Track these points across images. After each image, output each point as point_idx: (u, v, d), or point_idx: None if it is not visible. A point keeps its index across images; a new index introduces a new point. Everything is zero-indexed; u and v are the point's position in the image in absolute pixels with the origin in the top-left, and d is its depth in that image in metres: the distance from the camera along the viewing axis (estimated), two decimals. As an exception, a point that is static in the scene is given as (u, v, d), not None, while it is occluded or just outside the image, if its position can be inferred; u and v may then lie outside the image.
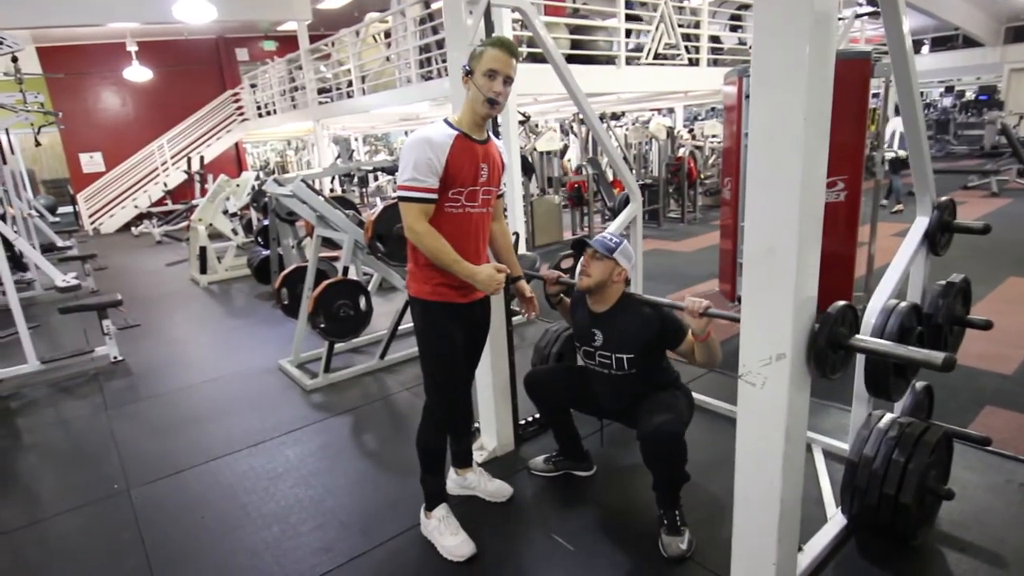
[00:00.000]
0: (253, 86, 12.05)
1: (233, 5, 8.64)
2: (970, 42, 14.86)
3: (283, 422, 3.17)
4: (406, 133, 16.60)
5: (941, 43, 14.32)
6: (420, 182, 1.80)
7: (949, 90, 15.05)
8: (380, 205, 3.43)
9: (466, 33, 2.18)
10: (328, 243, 4.12)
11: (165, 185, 11.85)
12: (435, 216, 1.86)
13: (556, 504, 2.33)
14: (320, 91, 9.72)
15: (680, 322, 2.02)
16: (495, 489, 2.32)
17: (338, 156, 6.65)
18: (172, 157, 12.24)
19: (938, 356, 1.39)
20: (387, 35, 8.64)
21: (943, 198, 2.13)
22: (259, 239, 6.04)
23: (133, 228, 11.30)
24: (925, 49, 14.34)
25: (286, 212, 5.17)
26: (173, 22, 7.67)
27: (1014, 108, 14.01)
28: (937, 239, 2.10)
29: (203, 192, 10.30)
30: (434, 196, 1.83)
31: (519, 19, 5.63)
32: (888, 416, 1.97)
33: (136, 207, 11.74)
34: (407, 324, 4.27)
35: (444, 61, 6.82)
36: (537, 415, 2.85)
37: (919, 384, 2.29)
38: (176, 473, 2.74)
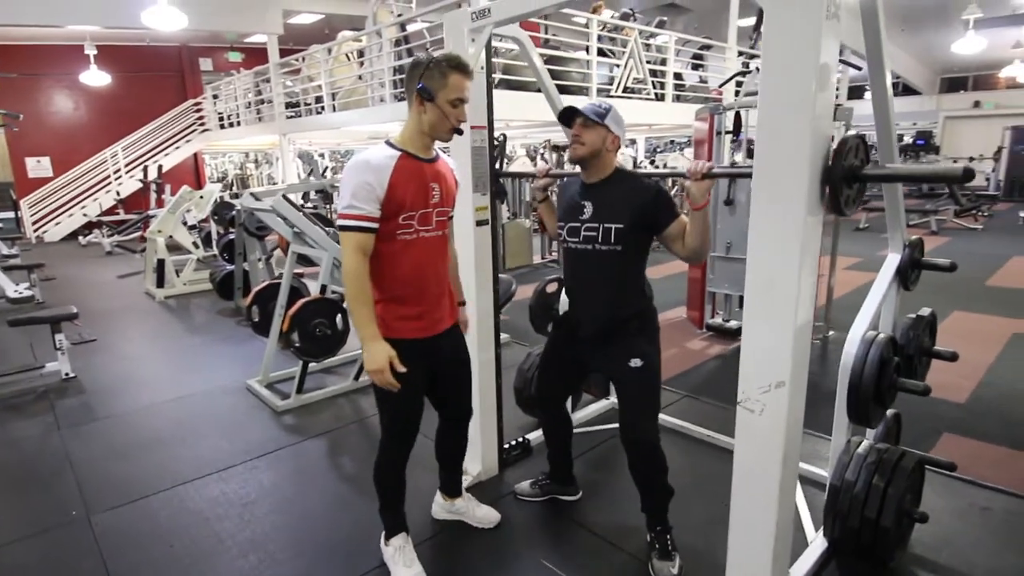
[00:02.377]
0: (216, 96, 11.81)
1: (205, 14, 8.50)
2: (909, 90, 15.91)
3: (254, 445, 3.06)
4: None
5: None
6: (357, 209, 1.67)
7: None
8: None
9: (469, 60, 2.21)
10: (303, 260, 4.05)
11: (118, 194, 11.41)
12: (390, 245, 1.75)
13: (545, 529, 2.32)
14: (288, 105, 9.61)
15: (673, 202, 1.95)
16: (483, 515, 2.29)
17: (310, 172, 6.55)
18: (127, 165, 11.80)
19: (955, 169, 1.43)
20: (360, 54, 8.66)
21: (913, 237, 2.27)
22: (224, 253, 5.86)
23: (80, 237, 10.79)
24: (869, 96, 15.25)
25: (255, 226, 5.07)
26: (139, 27, 7.47)
27: (948, 152, 15.03)
28: (908, 274, 2.23)
29: (159, 202, 9.97)
30: (373, 225, 1.70)
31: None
32: (866, 443, 2.06)
33: (85, 215, 11.22)
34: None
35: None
36: (520, 439, 2.85)
37: (889, 412, 2.40)
38: (141, 499, 2.60)
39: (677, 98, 8.83)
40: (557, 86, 6.46)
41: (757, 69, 10.61)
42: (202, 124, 12.62)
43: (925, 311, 2.30)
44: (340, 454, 3.03)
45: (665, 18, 9.27)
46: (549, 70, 6.87)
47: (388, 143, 1.78)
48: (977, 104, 16.47)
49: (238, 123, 11.22)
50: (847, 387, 1.95)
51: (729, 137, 4.47)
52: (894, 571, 2.00)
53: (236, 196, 5.36)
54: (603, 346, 2.05)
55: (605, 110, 1.94)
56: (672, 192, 9.26)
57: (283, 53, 10.13)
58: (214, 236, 7.23)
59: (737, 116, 4.35)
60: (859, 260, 7.27)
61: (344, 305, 3.63)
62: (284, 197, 3.34)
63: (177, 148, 12.39)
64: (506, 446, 2.78)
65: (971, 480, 2.51)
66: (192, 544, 2.28)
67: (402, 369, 1.72)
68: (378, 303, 1.77)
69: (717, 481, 2.47)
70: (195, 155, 13.07)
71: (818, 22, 1.31)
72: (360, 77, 8.12)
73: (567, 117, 2.00)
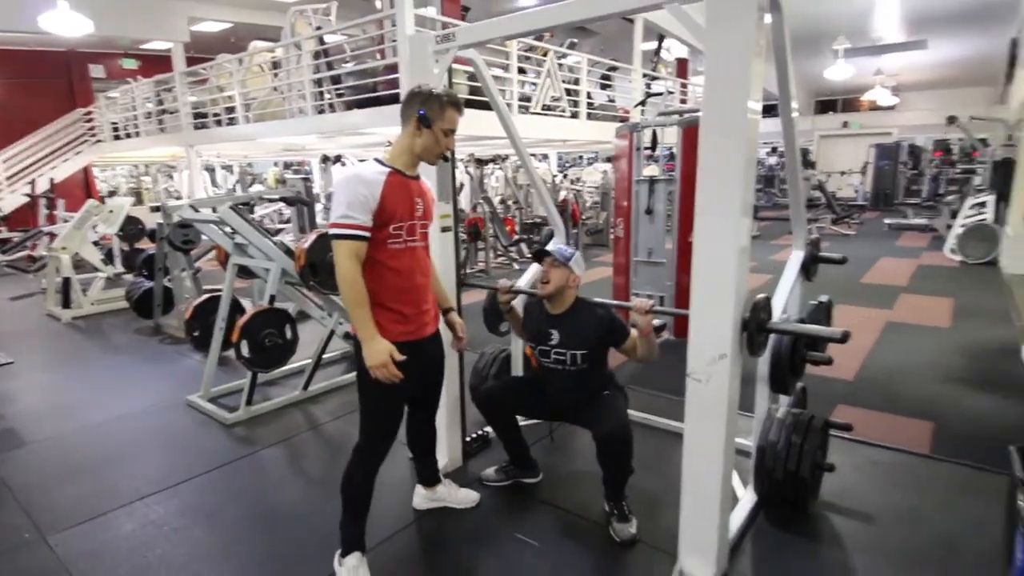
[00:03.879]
0: (110, 105, 11.07)
1: (107, 20, 8.03)
2: (789, 111, 17.53)
3: (209, 457, 3.04)
4: (275, 164, 16.08)
5: (766, 111, 16.85)
6: (352, 219, 1.81)
7: (773, 151, 17.72)
8: (313, 234, 3.46)
9: (433, 82, 2.40)
10: (244, 272, 4.02)
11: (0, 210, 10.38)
12: (381, 253, 1.90)
13: (514, 509, 2.52)
14: (196, 115, 9.24)
15: (625, 324, 2.35)
16: (464, 496, 2.48)
17: (236, 183, 6.39)
18: (8, 178, 10.78)
19: (837, 331, 1.85)
20: (275, 65, 8.52)
21: (812, 236, 2.71)
22: (143, 270, 5.60)
23: (-47, 258, 9.71)
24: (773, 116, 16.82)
25: (181, 239, 4.93)
26: (33, 31, 6.96)
27: (823, 167, 16.79)
28: (810, 268, 2.66)
29: (50, 218, 9.21)
30: (366, 234, 1.84)
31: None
32: (784, 408, 2.45)
33: (-41, 234, 10.12)
34: (331, 352, 4.27)
35: (339, 96, 6.92)
36: (480, 432, 3.05)
37: (798, 385, 2.82)
38: (99, 516, 2.54)
39: (588, 116, 9.40)
40: (479, 103, 6.78)
41: (669, 91, 11.39)
42: (94, 135, 11.75)
43: (824, 298, 2.74)
44: (299, 461, 3.08)
45: (576, 40, 9.84)
46: (471, 87, 7.15)
47: (378, 160, 1.96)
48: (845, 124, 18.56)
49: (136, 134, 10.59)
50: (769, 361, 2.32)
51: (646, 152, 4.92)
52: (811, 516, 2.38)
53: (156, 209, 5.15)
54: (576, 408, 2.43)
55: (570, 255, 2.34)
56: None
57: (189, 62, 9.72)
58: (116, 253, 6.84)
59: (654, 134, 4.80)
60: (754, 264, 8.06)
61: (292, 315, 3.67)
62: (232, 208, 3.34)
63: (66, 160, 11.45)
64: (468, 439, 2.96)
65: (862, 440, 2.99)
66: (166, 555, 2.28)
67: (400, 357, 1.88)
68: (375, 307, 1.91)
69: (654, 456, 2.81)
70: (85, 168, 12.12)
71: (748, 58, 1.64)
72: (276, 88, 8.00)
73: (539, 257, 2.38)
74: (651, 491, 2.56)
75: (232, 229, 3.48)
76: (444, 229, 2.58)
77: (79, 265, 6.31)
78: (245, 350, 3.40)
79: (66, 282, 5.95)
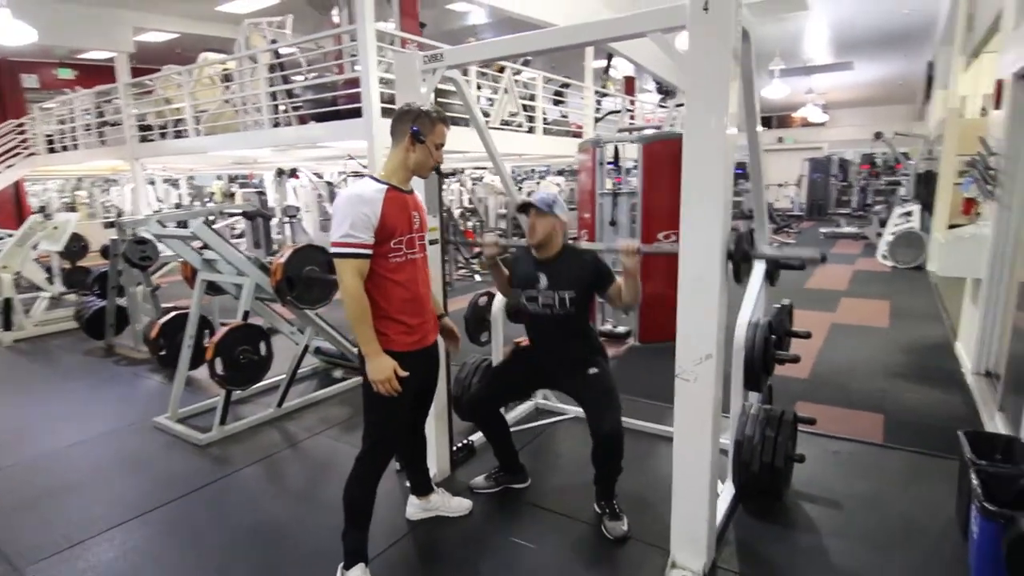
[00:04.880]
0: (44, 118, 10.53)
1: (51, 29, 7.68)
2: (729, 126, 18.37)
3: (186, 480, 2.96)
4: (219, 177, 15.64)
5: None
6: (355, 238, 1.88)
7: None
8: (289, 249, 3.44)
9: (421, 99, 2.47)
10: (212, 288, 3.95)
11: (-82, 228, 9.66)
12: (385, 267, 1.96)
13: (506, 514, 2.59)
14: (141, 128, 8.92)
15: (611, 269, 2.43)
16: (457, 505, 2.52)
17: (192, 198, 6.21)
18: (-71, 194, 10.08)
19: (816, 253, 2.11)
20: (227, 78, 8.36)
21: (776, 243, 2.90)
22: (96, 288, 5.36)
23: None
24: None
25: (139, 256, 4.78)
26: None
27: (764, 180, 17.58)
28: (773, 273, 2.86)
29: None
30: (369, 252, 1.91)
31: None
32: (756, 405, 2.62)
33: None
34: (304, 368, 4.23)
35: (295, 109, 6.86)
36: (466, 441, 3.10)
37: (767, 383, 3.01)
38: (75, 545, 2.44)
39: (544, 131, 9.62)
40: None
41: (627, 109, 11.74)
42: (27, 147, 11.14)
43: (786, 301, 2.95)
44: (281, 480, 3.04)
45: (530, 57, 10.06)
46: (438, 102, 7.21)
47: (373, 178, 2.02)
48: (780, 139, 19.61)
49: (75, 146, 10.11)
50: (743, 361, 2.48)
51: (609, 167, 5.11)
52: (785, 505, 2.55)
53: (111, 225, 4.97)
54: (562, 370, 2.49)
55: (552, 200, 2.40)
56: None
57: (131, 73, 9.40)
58: (55, 270, 6.51)
59: (616, 149, 5.00)
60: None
61: (267, 331, 3.62)
62: (206, 222, 3.29)
63: (-3, 174, 10.81)
64: (454, 448, 3.00)
65: (822, 433, 3.21)
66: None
67: (404, 374, 1.96)
68: (382, 319, 1.98)
69: (633, 456, 2.91)
70: (17, 183, 11.47)
71: (726, 79, 1.79)
72: (228, 101, 7.84)
73: (524, 208, 2.45)
74: (636, 490, 2.67)
75: (204, 244, 3.42)
76: (432, 242, 2.63)
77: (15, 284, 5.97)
78: (219, 368, 3.33)
79: (7, 303, 5.62)
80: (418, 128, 2.01)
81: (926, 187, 9.10)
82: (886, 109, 19.17)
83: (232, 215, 5.32)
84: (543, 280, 2.42)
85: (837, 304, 6.41)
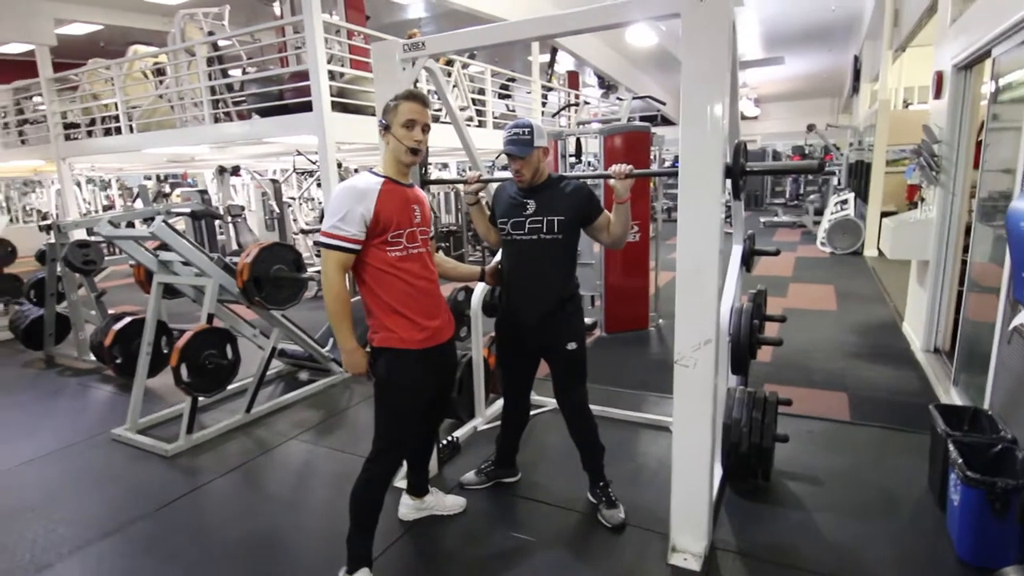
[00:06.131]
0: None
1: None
2: (667, 121, 18.98)
3: (157, 493, 2.79)
4: (146, 177, 14.80)
5: (647, 120, 18.13)
6: (342, 231, 1.84)
7: (653, 158, 19.08)
8: (255, 247, 3.29)
9: (400, 86, 2.39)
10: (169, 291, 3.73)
11: None
12: (384, 261, 1.90)
13: (501, 509, 2.56)
14: (67, 126, 8.33)
15: (600, 201, 2.32)
16: (452, 503, 2.48)
17: (136, 197, 5.84)
18: None
19: (813, 163, 2.22)
20: (160, 72, 7.91)
21: (749, 232, 3.00)
22: (32, 295, 4.97)
23: None
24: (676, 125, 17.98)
25: (82, 260, 4.47)
26: None
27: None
28: (749, 260, 2.95)
29: None
30: (355, 247, 1.86)
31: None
32: (740, 388, 2.69)
33: None
34: (271, 371, 4.06)
35: (236, 104, 6.56)
36: (450, 438, 3.05)
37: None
38: (45, 568, 2.26)
39: (492, 125, 9.59)
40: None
41: (586, 102, 11.82)
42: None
43: (760, 287, 3.04)
44: (260, 488, 2.91)
45: (485, 48, 9.99)
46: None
47: (372, 172, 1.97)
48: (718, 132, 20.29)
49: (-11, 145, 9.34)
50: (729, 346, 2.55)
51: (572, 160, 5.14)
52: (770, 482, 2.64)
53: (48, 228, 4.61)
54: (544, 330, 2.33)
55: (529, 134, 2.18)
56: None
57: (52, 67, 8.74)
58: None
59: (578, 142, 5.03)
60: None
61: (232, 335, 3.46)
62: (165, 222, 3.09)
63: None
64: (439, 446, 2.95)
65: (795, 414, 3.33)
66: (137, 600, 2.09)
67: (367, 374, 1.97)
68: (386, 313, 1.93)
69: (617, 444, 2.96)
70: (-79, 184, 10.50)
71: (721, 68, 1.83)
72: (162, 96, 7.42)
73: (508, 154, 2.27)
74: (625, 477, 2.70)
75: (164, 245, 3.22)
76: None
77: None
78: (184, 374, 3.16)
79: (-76, 316, 5.14)
80: (383, 119, 1.97)
81: (859, 176, 9.63)
82: (814, 102, 20.19)
83: (179, 215, 5.02)
84: (531, 206, 2.26)
85: (787, 289, 6.70)
